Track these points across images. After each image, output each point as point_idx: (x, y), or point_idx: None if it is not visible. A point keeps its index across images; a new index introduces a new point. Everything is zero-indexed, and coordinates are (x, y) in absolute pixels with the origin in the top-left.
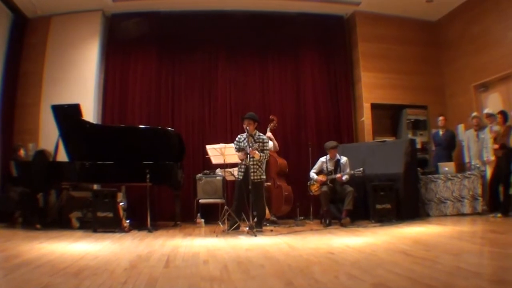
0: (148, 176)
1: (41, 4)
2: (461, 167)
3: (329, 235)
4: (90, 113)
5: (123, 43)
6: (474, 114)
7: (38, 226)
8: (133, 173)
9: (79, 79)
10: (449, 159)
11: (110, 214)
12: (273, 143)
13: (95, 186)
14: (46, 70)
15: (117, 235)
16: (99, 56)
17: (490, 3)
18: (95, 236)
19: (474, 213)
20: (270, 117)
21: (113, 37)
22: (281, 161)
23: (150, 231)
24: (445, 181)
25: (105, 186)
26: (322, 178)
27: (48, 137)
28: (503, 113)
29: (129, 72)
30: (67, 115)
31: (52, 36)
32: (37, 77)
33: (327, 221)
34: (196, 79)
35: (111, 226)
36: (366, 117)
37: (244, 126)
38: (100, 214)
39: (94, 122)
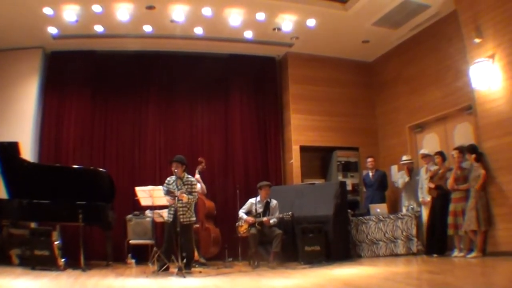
0: (80, 216)
1: None
2: (395, 208)
3: (258, 277)
4: (28, 151)
5: (60, 81)
6: (404, 158)
7: None
8: (67, 212)
9: (18, 117)
10: (382, 200)
11: (46, 253)
12: (201, 185)
13: (33, 224)
14: None
15: (54, 273)
16: (38, 93)
17: (426, 46)
18: (34, 274)
19: (409, 254)
20: (199, 159)
21: (52, 75)
22: (209, 204)
23: (84, 270)
24: (377, 222)
25: (42, 225)
26: (250, 219)
27: None
28: (441, 154)
29: (65, 111)
30: (7, 153)
31: None
32: None
33: (256, 263)
34: (127, 121)
35: (47, 264)
36: (294, 160)
37: (173, 169)
38: (37, 252)
39: (32, 161)
